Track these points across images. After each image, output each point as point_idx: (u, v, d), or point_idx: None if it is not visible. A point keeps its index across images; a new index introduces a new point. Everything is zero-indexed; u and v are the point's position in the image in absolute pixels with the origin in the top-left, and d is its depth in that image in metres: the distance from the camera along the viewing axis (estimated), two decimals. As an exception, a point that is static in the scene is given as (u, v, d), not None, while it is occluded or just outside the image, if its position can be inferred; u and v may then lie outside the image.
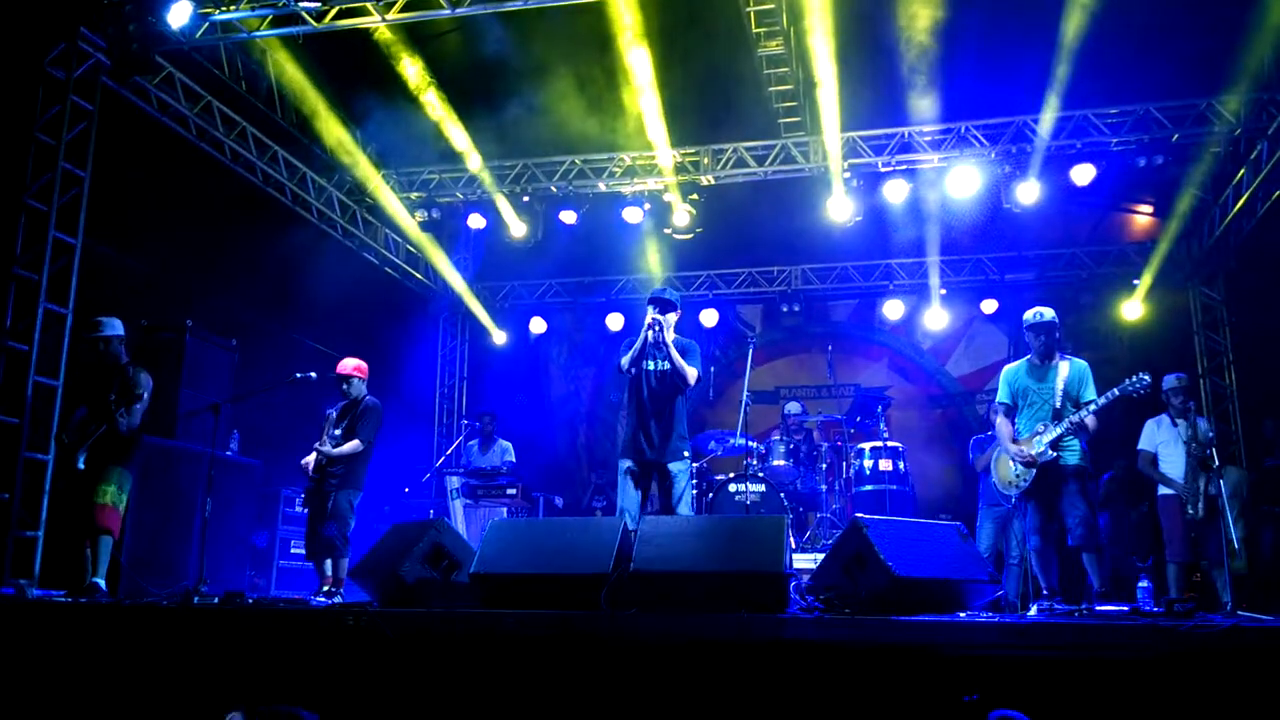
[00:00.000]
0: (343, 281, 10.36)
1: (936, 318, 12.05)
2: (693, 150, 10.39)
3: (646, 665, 4.24)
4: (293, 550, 9.26)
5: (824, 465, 9.21)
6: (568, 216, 10.96)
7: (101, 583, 6.20)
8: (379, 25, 8.19)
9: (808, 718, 4.04)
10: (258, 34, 8.26)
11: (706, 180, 10.44)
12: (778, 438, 9.38)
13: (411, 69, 9.04)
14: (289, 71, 9.13)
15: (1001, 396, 6.49)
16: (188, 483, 7.79)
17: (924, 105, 9.14)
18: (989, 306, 12.06)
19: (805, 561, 7.46)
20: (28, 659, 4.99)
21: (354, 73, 9.53)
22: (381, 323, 11.88)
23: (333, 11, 8.03)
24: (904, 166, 10.02)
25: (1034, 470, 6.12)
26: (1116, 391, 6.01)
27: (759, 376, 8.25)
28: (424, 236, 11.54)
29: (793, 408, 9.86)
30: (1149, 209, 11.58)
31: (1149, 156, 9.45)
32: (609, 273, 13.03)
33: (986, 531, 8.66)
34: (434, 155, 10.64)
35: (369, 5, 7.96)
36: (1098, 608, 5.21)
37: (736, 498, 8.24)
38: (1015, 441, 6.27)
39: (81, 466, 6.28)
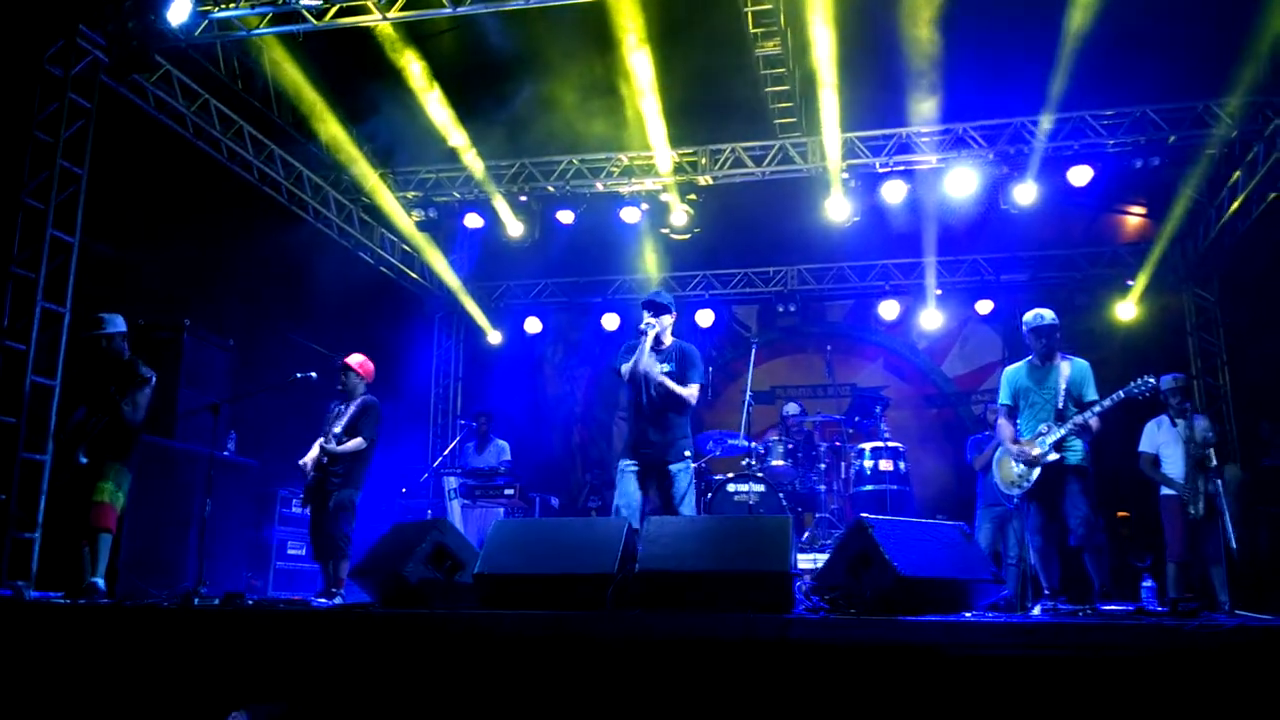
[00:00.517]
0: (339, 281, 10.33)
1: (932, 318, 12.08)
2: (690, 150, 10.39)
3: (652, 665, 4.23)
4: (290, 551, 9.23)
5: (822, 465, 9.22)
6: (565, 216, 10.96)
7: (100, 582, 6.16)
8: (380, 23, 8.17)
9: (814, 718, 4.04)
10: (258, 32, 8.23)
11: (704, 180, 10.44)
12: (776, 438, 9.39)
13: (410, 68, 9.00)
14: (286, 70, 9.09)
15: (1003, 398, 6.52)
16: (185, 483, 7.76)
17: (922, 106, 9.15)
18: (984, 307, 12.10)
19: (805, 562, 7.49)
20: (26, 662, 4.96)
21: (352, 71, 9.51)
22: (377, 322, 11.86)
23: (333, 10, 8.00)
24: (902, 167, 10.05)
25: (1036, 471, 6.14)
26: (1122, 394, 6.04)
27: (756, 377, 8.25)
28: (420, 236, 11.52)
29: (791, 408, 9.87)
30: (1143, 210, 11.62)
31: (1145, 158, 9.51)
32: (605, 273, 13.02)
33: (985, 531, 8.70)
34: (431, 155, 10.62)
35: (369, 3, 7.93)
36: (1101, 607, 5.22)
37: (736, 498, 8.25)
38: (1017, 442, 6.29)
39: (84, 461, 6.24)
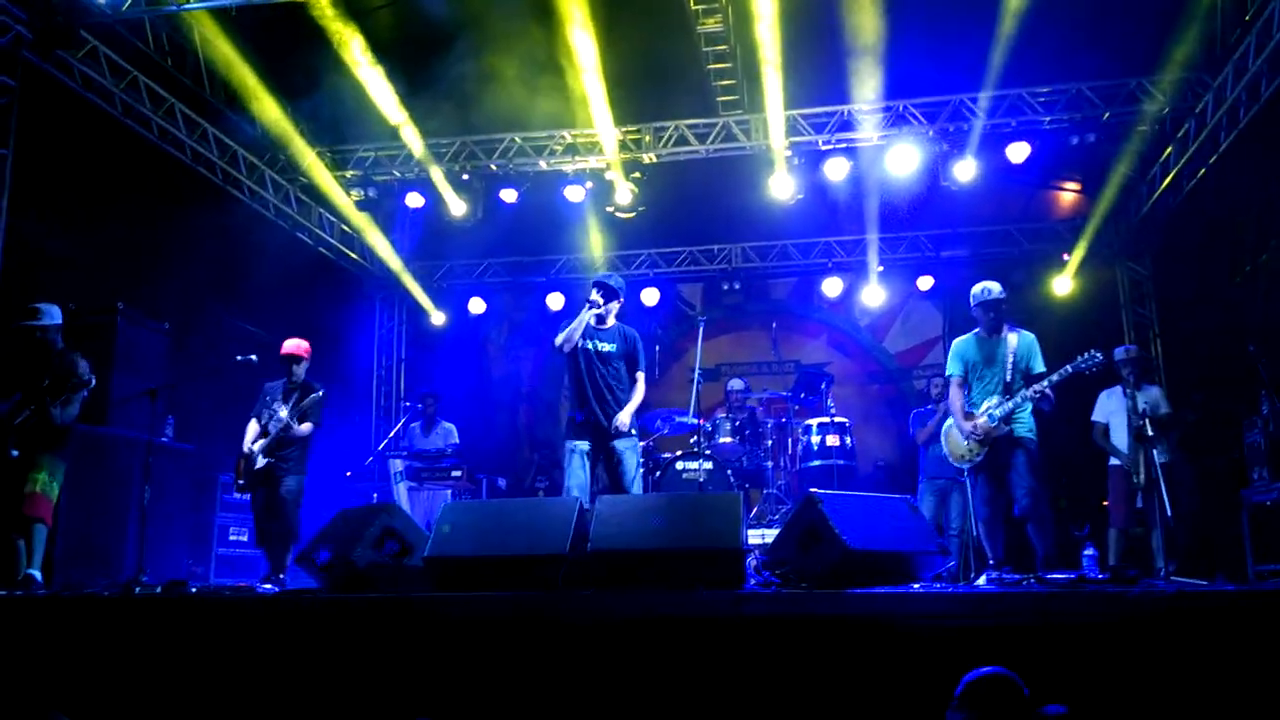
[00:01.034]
0: (277, 262, 10.12)
1: (874, 295, 12.20)
2: (634, 129, 10.33)
3: (607, 644, 4.24)
4: (232, 537, 9.08)
5: (769, 442, 9.29)
6: (508, 195, 10.86)
7: (37, 574, 6.00)
8: (315, -2, 7.99)
9: (767, 692, 4.08)
10: (188, 6, 8.01)
11: (648, 158, 10.39)
12: (723, 415, 9.44)
13: (348, 44, 8.80)
14: (219, 46, 8.82)
15: (952, 369, 6.60)
16: (122, 470, 7.59)
17: (864, 84, 9.19)
18: (925, 283, 12.24)
19: (753, 538, 7.53)
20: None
21: (286, 48, 9.25)
22: (317, 304, 11.63)
23: (267, -18, 7.81)
24: (844, 145, 10.09)
25: (986, 445, 6.24)
26: (1069, 369, 6.14)
27: (702, 355, 8.27)
28: (360, 216, 11.32)
29: (735, 384, 9.93)
30: (1078, 186, 11.83)
31: (1081, 135, 9.66)
32: (550, 252, 12.93)
33: (926, 504, 8.84)
34: (370, 133, 10.42)
35: (303, -23, 7.75)
36: (1045, 576, 5.33)
37: (685, 476, 8.31)
38: (969, 416, 6.36)
39: (15, 454, 6.06)
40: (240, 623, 4.74)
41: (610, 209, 10.88)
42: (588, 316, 6.47)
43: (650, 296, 12.57)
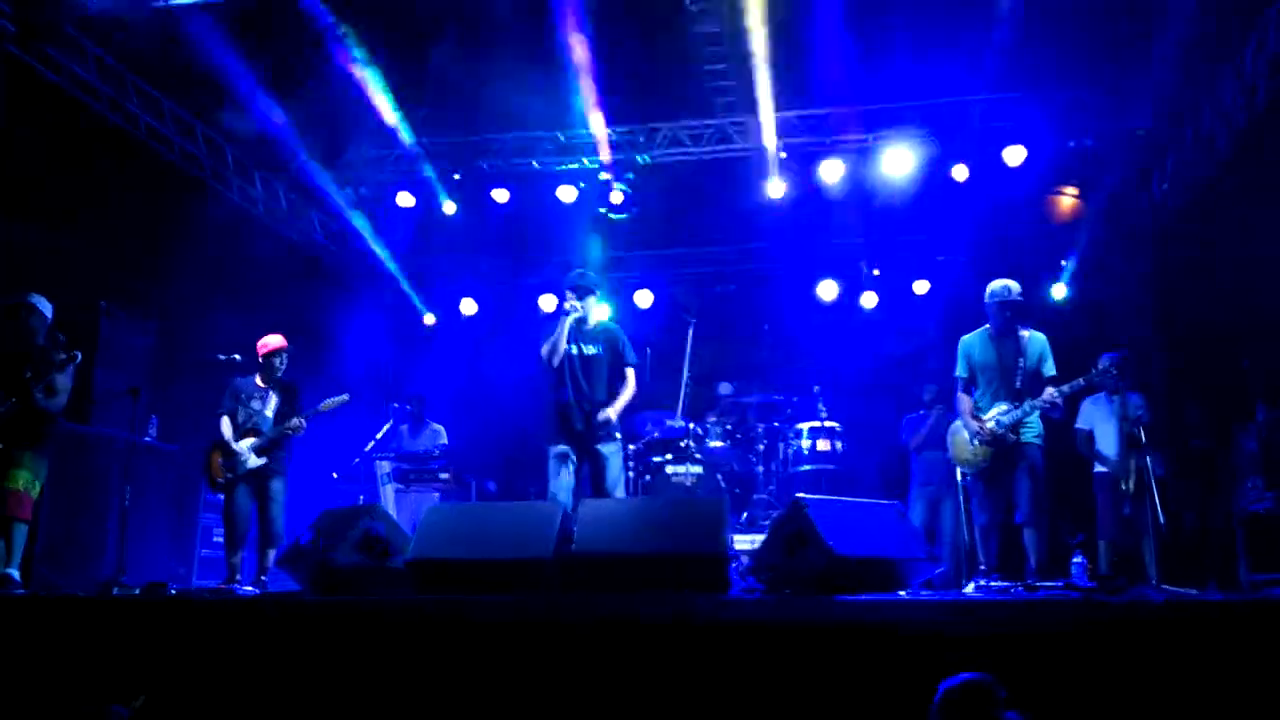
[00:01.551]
0: (265, 260, 10.05)
1: (868, 298, 12.12)
2: (628, 129, 10.26)
3: (589, 648, 4.18)
4: (215, 539, 8.97)
5: (760, 446, 9.23)
6: (500, 195, 10.78)
7: (15, 574, 5.92)
8: (304, -7, 7.91)
9: (750, 698, 4.02)
10: (177, 1, 7.92)
11: (642, 159, 10.33)
12: (714, 419, 9.38)
13: (339, 41, 8.72)
14: (206, 42, 8.73)
15: (960, 370, 6.50)
16: (103, 470, 7.52)
17: (861, 85, 9.13)
18: (920, 287, 12.16)
19: (743, 542, 7.48)
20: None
21: (279, 45, 9.19)
22: (305, 302, 11.51)
23: (256, -22, 7.74)
24: (840, 146, 10.03)
25: (993, 451, 6.15)
26: (1082, 381, 6.11)
27: (693, 357, 8.21)
28: (351, 214, 11.24)
29: (725, 388, 9.87)
30: (1076, 191, 11.76)
31: (1079, 139, 9.61)
32: (542, 253, 12.83)
33: (918, 510, 8.78)
34: (363, 131, 10.34)
35: (293, -29, 7.68)
36: (1034, 584, 5.27)
37: (674, 479, 8.25)
38: (977, 419, 6.26)
39: None
40: (220, 625, 4.68)
41: (603, 210, 10.82)
42: (568, 324, 6.40)
43: (644, 299, 12.48)
